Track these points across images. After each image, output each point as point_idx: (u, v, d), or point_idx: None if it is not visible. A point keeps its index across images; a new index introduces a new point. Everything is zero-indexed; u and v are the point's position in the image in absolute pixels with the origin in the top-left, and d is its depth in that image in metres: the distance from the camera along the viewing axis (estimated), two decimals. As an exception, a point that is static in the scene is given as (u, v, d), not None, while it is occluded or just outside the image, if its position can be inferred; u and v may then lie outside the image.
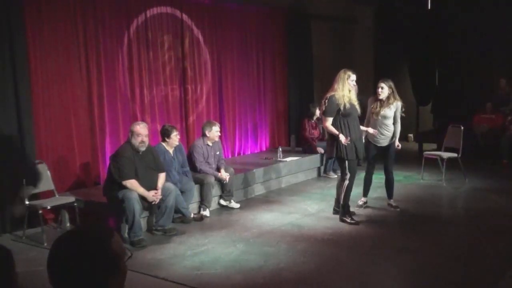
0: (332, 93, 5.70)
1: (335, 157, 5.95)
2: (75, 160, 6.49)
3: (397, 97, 6.20)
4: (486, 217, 6.10)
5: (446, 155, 7.95)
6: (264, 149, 9.63)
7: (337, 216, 6.00)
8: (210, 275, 4.44)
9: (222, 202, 6.77)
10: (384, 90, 6.13)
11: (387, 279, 4.40)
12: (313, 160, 8.64)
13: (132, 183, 5.23)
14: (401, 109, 6.22)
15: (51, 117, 6.21)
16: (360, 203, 6.53)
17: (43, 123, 6.09)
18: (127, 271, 1.45)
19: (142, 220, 5.48)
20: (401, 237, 5.43)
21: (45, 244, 5.22)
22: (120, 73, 7.00)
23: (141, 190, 5.27)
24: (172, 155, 6.07)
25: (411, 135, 12.55)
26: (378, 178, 6.76)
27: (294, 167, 8.26)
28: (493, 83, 10.87)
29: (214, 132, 6.52)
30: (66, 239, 1.40)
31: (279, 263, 4.68)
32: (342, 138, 5.63)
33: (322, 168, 8.76)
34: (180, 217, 6.03)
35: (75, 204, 5.70)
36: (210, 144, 6.56)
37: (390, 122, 6.21)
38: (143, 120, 6.92)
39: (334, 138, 5.75)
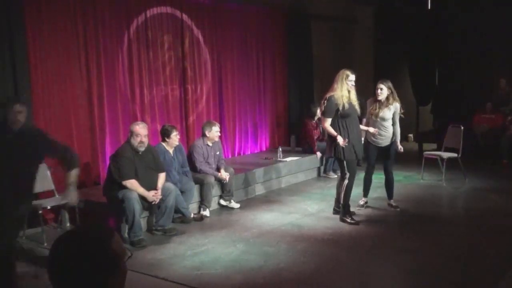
0: (331, 94, 5.69)
1: (334, 157, 5.95)
2: (75, 160, 6.48)
3: (396, 98, 6.20)
4: (486, 217, 6.10)
5: (446, 155, 7.95)
6: (264, 149, 9.63)
7: (337, 216, 6.00)
8: (210, 275, 4.44)
9: (222, 202, 6.77)
10: (383, 91, 6.12)
11: (387, 279, 4.40)
12: (313, 160, 8.65)
13: (132, 183, 5.23)
14: (400, 111, 6.22)
15: (51, 117, 6.21)
16: (361, 203, 6.53)
17: (43, 123, 6.08)
18: (127, 271, 1.45)
19: (142, 220, 5.48)
20: (401, 237, 5.43)
21: (45, 244, 5.22)
22: (120, 73, 7.00)
23: (141, 190, 5.27)
24: (172, 155, 6.07)
25: (411, 135, 12.56)
26: (378, 178, 6.76)
27: (294, 167, 8.27)
28: (493, 83, 10.88)
29: (214, 132, 6.52)
30: (66, 239, 1.40)
31: (279, 263, 4.68)
32: (339, 139, 5.62)
33: (322, 168, 8.77)
34: (180, 217, 6.03)
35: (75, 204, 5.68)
36: (210, 144, 6.56)
37: (389, 123, 6.20)
38: (143, 120, 6.92)
39: (333, 139, 5.74)
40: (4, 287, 3.80)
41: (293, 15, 9.90)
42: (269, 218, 6.25)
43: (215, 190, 6.63)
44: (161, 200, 5.46)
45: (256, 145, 9.53)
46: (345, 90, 5.64)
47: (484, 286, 4.18)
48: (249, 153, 9.32)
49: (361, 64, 10.92)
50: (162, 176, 5.55)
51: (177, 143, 6.11)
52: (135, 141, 5.30)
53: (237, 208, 6.70)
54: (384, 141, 6.25)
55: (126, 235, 5.30)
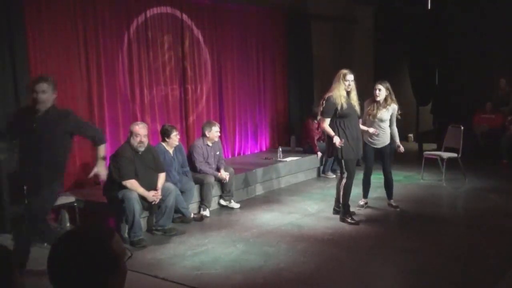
0: (330, 94, 5.68)
1: (333, 157, 5.94)
2: (75, 160, 6.48)
3: (394, 99, 6.19)
4: (486, 217, 6.10)
5: (446, 155, 7.95)
6: (264, 149, 9.63)
7: (337, 216, 6.00)
8: (210, 275, 4.44)
9: (222, 202, 6.77)
10: (381, 92, 6.12)
11: (387, 279, 4.40)
12: (313, 160, 8.65)
13: (132, 183, 5.23)
14: (397, 112, 6.21)
15: (51, 117, 6.20)
16: (362, 203, 6.53)
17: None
18: (127, 271, 1.45)
19: (142, 220, 5.48)
20: (401, 237, 5.42)
21: (45, 244, 5.21)
22: (120, 73, 7.00)
23: (141, 190, 5.27)
24: (172, 155, 6.07)
25: (411, 135, 12.55)
26: (378, 178, 6.76)
27: (294, 167, 8.26)
28: (493, 83, 10.87)
29: (214, 132, 6.52)
30: (66, 239, 1.41)
31: (279, 263, 4.68)
32: (336, 140, 5.61)
33: (321, 168, 8.77)
34: (180, 217, 6.03)
35: (75, 204, 5.70)
36: (210, 144, 6.56)
37: (386, 124, 6.20)
38: (143, 120, 6.92)
39: (331, 138, 5.74)
40: (4, 287, 3.80)
41: (293, 15, 9.90)
42: (269, 218, 6.25)
43: (215, 190, 6.63)
44: (161, 200, 5.46)
45: (256, 145, 9.53)
46: (342, 90, 5.62)
47: (484, 286, 4.18)
48: (249, 153, 9.31)
49: (361, 64, 10.92)
50: (162, 176, 5.55)
51: (177, 143, 6.11)
52: (134, 141, 5.30)
53: (237, 208, 6.70)
54: (381, 142, 6.24)
55: (126, 235, 5.30)
